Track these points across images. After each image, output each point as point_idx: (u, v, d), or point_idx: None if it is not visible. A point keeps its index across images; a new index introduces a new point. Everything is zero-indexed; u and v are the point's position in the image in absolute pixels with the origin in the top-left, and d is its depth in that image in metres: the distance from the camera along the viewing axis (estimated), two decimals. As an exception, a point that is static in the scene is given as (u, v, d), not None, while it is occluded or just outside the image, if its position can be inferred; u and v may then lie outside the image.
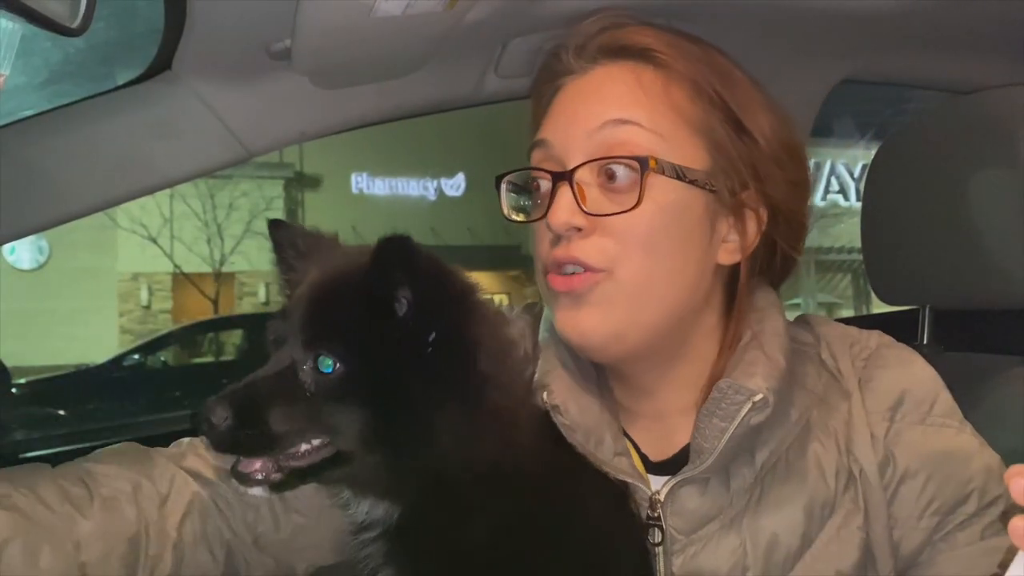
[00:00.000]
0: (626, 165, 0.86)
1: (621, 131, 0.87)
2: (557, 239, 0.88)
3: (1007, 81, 1.48)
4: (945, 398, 0.89)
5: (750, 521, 0.85)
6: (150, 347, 10.94)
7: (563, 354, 0.94)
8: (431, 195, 19.30)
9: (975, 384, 1.18)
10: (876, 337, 0.93)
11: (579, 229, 0.87)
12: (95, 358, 10.66)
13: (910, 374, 0.90)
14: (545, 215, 0.88)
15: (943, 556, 0.84)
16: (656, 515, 0.87)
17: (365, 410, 0.78)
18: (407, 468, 0.80)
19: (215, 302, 15.95)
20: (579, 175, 0.87)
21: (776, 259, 0.95)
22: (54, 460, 1.46)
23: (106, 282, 15.96)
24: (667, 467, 0.91)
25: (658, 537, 0.86)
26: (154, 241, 15.50)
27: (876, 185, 1.44)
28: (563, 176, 0.87)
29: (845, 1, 1.27)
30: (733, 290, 0.93)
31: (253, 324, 12.01)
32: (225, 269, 16.25)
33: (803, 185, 0.93)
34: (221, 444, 0.78)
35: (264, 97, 1.22)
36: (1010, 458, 0.67)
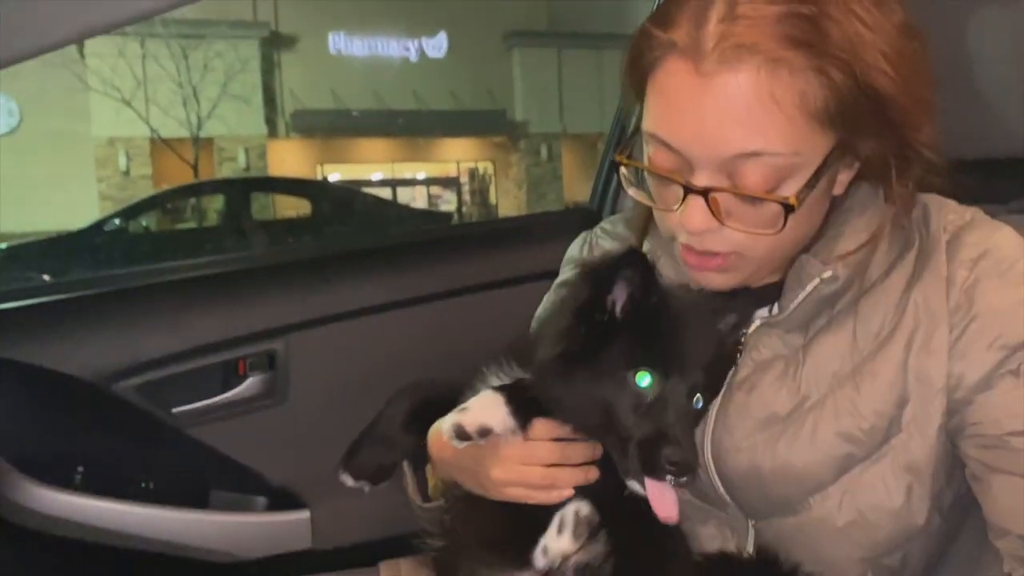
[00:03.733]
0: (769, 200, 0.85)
1: (759, 162, 0.83)
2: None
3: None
4: None
5: (807, 351, 0.94)
6: (131, 212, 10.80)
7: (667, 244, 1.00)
8: (412, 56, 18.69)
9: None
10: (973, 212, 0.95)
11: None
12: (75, 225, 10.54)
13: (998, 235, 0.92)
14: (676, 209, 0.88)
15: (1007, 384, 0.86)
16: (740, 342, 0.98)
17: None
18: None
19: (195, 168, 15.70)
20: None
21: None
22: (35, 311, 1.46)
23: (82, 147, 15.63)
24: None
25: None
26: (128, 104, 15.08)
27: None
28: (697, 191, 0.85)
29: None
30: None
31: (235, 190, 11.88)
32: (203, 134, 15.90)
33: (927, 105, 0.87)
34: None
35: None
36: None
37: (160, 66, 15.05)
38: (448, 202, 19.48)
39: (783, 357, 0.95)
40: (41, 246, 9.46)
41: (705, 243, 0.89)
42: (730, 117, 0.81)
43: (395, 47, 18.54)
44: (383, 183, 18.73)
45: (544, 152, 19.25)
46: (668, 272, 0.99)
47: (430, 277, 1.69)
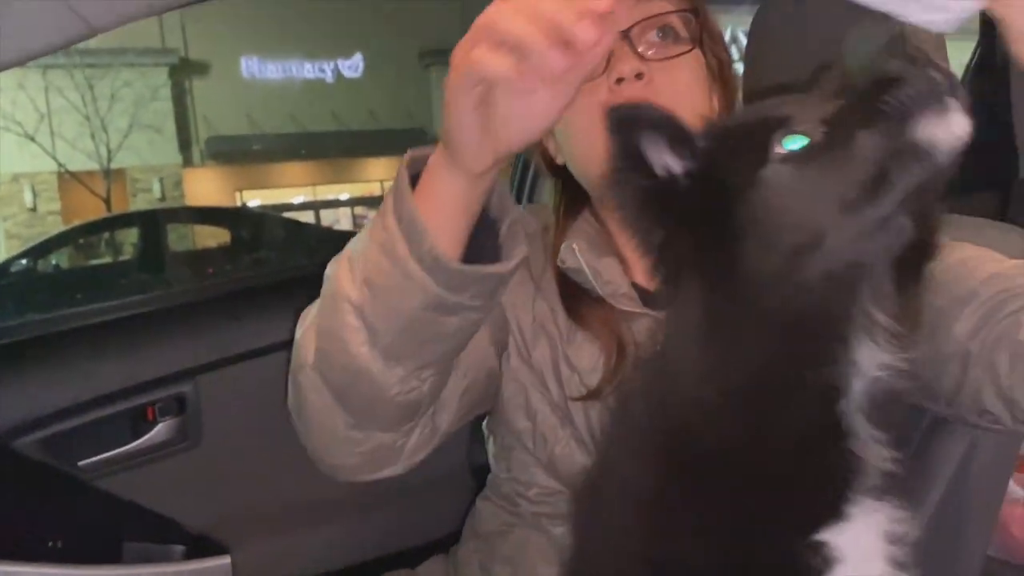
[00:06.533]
0: (682, 17, 0.97)
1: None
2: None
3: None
4: None
5: None
6: (39, 250, 10.37)
7: (584, 225, 1.05)
8: (328, 77, 18.51)
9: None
10: None
11: (639, 76, 0.93)
12: (-20, 267, 10.08)
13: None
14: (603, 72, 0.93)
15: None
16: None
17: None
18: None
19: (107, 201, 15.21)
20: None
21: None
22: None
23: (-16, 185, 15.00)
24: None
25: None
26: (32, 139, 14.54)
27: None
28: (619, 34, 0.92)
29: None
30: None
31: (149, 221, 11.53)
32: (115, 165, 15.43)
33: None
34: None
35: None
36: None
37: (64, 97, 14.57)
38: (373, 222, 19.26)
39: None
40: (-56, 292, 9.03)
41: (635, 93, 0.94)
42: None
43: (310, 69, 18.33)
44: (305, 206, 18.45)
45: (467, 168, 19.23)
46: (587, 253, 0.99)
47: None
